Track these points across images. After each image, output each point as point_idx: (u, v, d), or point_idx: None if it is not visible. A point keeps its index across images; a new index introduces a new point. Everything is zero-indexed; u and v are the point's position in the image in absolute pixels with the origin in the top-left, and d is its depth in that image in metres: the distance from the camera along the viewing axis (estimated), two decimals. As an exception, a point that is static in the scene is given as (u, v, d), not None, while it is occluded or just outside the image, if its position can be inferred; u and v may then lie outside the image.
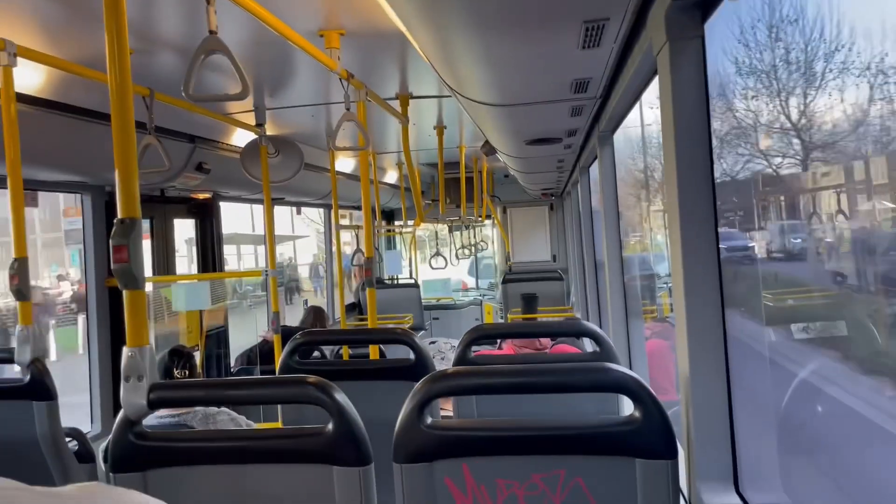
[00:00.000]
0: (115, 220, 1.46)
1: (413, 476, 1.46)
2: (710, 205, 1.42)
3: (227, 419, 2.81)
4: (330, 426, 1.45)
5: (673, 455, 1.39)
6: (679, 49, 1.41)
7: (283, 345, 3.61)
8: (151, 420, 2.69)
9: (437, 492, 1.46)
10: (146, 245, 4.97)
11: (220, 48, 1.77)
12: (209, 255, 5.36)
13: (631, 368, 3.21)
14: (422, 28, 1.69)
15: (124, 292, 1.49)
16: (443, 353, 3.04)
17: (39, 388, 2.41)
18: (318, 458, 1.46)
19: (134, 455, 1.47)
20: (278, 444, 1.46)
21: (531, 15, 1.52)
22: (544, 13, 1.52)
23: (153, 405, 1.47)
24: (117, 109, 1.48)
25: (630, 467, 1.40)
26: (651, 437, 1.39)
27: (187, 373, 2.97)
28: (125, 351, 1.46)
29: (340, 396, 1.46)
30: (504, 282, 9.14)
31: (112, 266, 1.46)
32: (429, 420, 1.46)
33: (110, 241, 1.46)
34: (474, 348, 2.38)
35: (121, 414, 1.47)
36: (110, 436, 1.47)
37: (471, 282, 12.73)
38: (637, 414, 1.40)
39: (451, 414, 2.40)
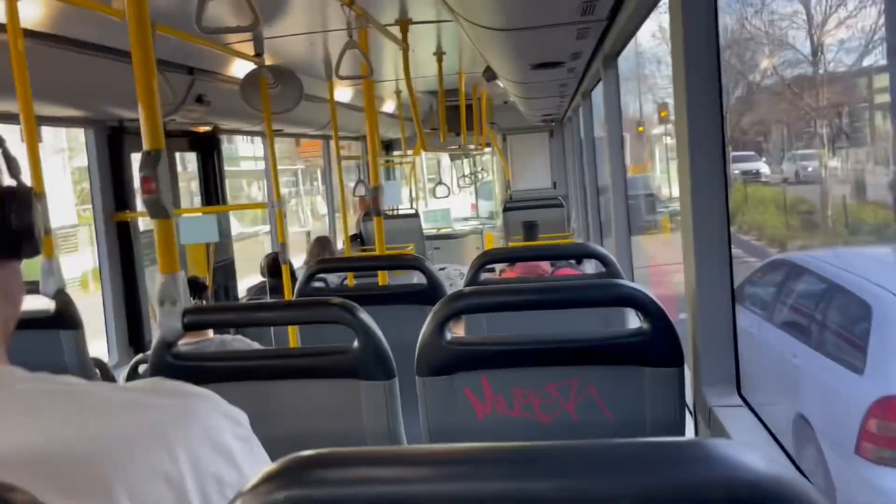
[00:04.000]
0: (142, 152, 1.51)
1: (435, 388, 1.55)
2: (717, 126, 1.46)
3: (243, 346, 2.91)
4: (355, 344, 1.54)
5: (679, 363, 1.48)
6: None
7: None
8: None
9: (458, 401, 1.56)
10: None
11: (228, -25, 1.77)
12: (212, 188, 5.39)
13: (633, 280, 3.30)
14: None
15: (154, 222, 1.55)
16: (451, 279, 3.12)
17: (65, 317, 2.49)
18: (346, 374, 1.55)
19: (171, 374, 1.56)
20: (308, 361, 1.55)
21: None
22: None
23: (188, 327, 1.55)
24: (137, 44, 1.51)
25: (639, 375, 1.49)
26: (659, 347, 1.48)
27: (204, 303, 3.05)
28: (159, 277, 1.54)
29: (365, 316, 1.54)
30: (505, 210, 9.19)
31: (142, 197, 1.51)
32: (448, 336, 1.55)
33: (139, 172, 1.51)
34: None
35: (157, 336, 1.56)
36: (149, 356, 1.56)
37: (480, 206, 12.81)
38: (645, 326, 1.48)
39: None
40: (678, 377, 1.49)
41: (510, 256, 3.11)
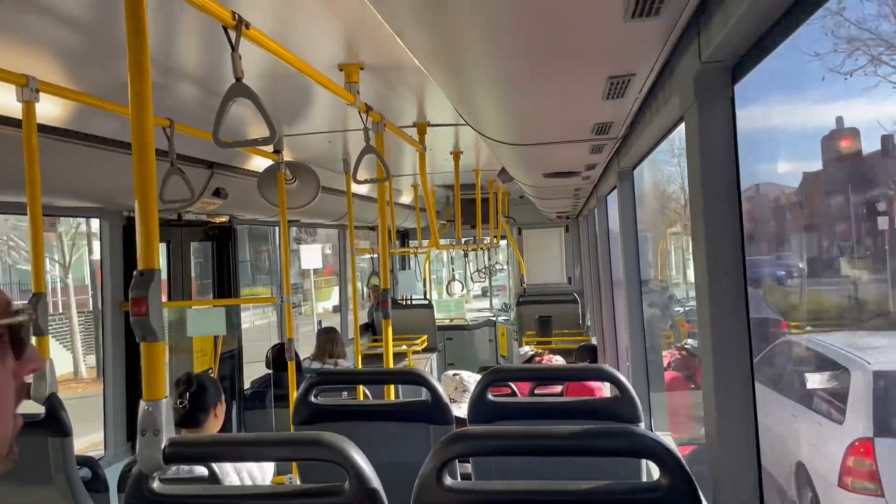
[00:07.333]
0: (133, 273, 1.45)
1: None
2: (739, 272, 1.39)
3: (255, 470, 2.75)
4: (346, 485, 1.43)
5: None
6: (707, 109, 1.38)
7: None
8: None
9: None
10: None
11: (248, 95, 1.76)
12: (225, 280, 5.35)
13: (650, 408, 3.16)
14: (445, 82, 1.68)
15: (142, 344, 1.47)
16: (466, 384, 2.99)
17: (55, 423, 2.39)
18: None
19: None
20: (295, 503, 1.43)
21: (556, 71, 1.50)
22: (570, 69, 1.50)
23: (169, 460, 1.45)
24: (138, 146, 1.47)
25: None
26: None
27: (185, 404, 2.87)
28: (142, 404, 1.44)
29: (358, 456, 1.43)
30: (519, 304, 9.06)
31: (130, 318, 1.44)
32: (448, 481, 1.43)
33: (129, 293, 1.44)
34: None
35: (135, 469, 1.46)
36: (125, 492, 1.45)
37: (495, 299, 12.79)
38: (663, 480, 1.36)
39: (467, 463, 2.36)
40: None
41: (519, 377, 2.99)
